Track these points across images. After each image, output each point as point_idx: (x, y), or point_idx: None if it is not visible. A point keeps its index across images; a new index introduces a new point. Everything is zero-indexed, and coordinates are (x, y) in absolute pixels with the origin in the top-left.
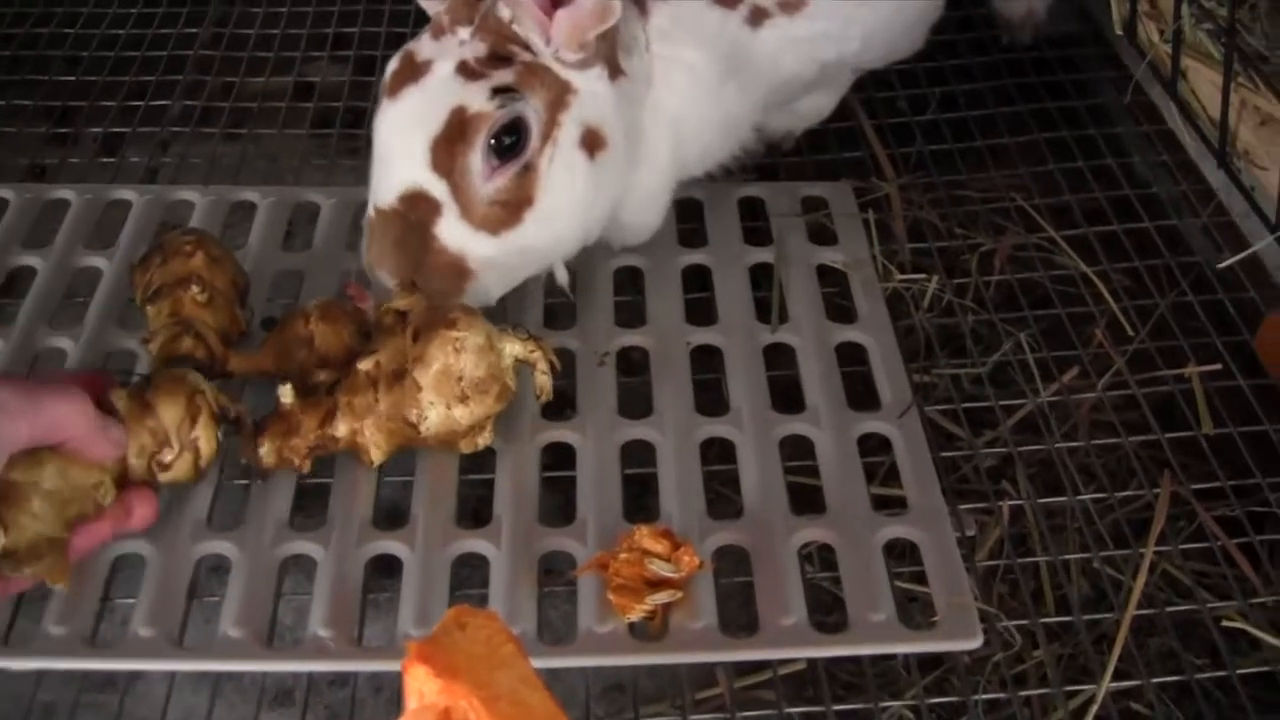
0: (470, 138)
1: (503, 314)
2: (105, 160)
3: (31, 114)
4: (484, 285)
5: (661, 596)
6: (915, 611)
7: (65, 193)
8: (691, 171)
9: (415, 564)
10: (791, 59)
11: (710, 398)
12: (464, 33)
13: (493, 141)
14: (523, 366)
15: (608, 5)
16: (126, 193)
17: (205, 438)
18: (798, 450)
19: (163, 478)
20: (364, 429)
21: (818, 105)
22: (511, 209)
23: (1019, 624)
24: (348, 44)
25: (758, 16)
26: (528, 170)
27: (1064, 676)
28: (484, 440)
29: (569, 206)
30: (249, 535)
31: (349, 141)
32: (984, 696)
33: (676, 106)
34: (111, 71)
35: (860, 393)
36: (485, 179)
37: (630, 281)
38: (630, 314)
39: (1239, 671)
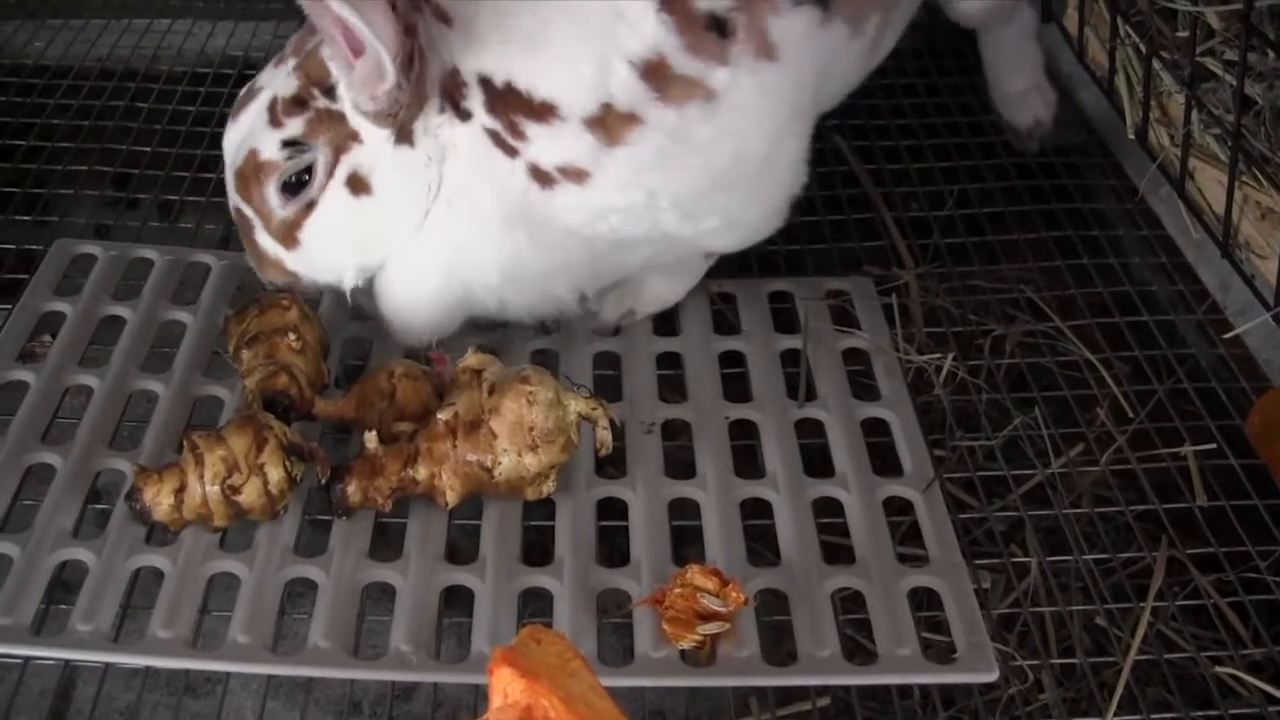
0: (262, 179)
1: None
2: (182, 226)
3: (87, 177)
4: (310, 280)
5: (711, 627)
6: (937, 651)
7: (149, 253)
8: (483, 305)
9: (486, 594)
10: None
11: (746, 464)
12: (290, 64)
13: (282, 182)
14: (582, 423)
15: (379, 67)
16: (205, 256)
17: (271, 463)
18: (828, 511)
19: (237, 501)
20: (442, 473)
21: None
22: (292, 229)
23: (1031, 663)
24: None
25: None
26: (310, 205)
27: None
28: (548, 488)
29: (328, 233)
30: (333, 562)
31: None
32: None
33: (456, 233)
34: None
35: (883, 463)
36: (279, 207)
37: (669, 364)
38: (672, 392)
39: (1231, 712)
